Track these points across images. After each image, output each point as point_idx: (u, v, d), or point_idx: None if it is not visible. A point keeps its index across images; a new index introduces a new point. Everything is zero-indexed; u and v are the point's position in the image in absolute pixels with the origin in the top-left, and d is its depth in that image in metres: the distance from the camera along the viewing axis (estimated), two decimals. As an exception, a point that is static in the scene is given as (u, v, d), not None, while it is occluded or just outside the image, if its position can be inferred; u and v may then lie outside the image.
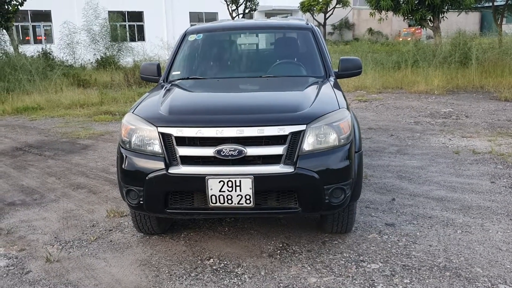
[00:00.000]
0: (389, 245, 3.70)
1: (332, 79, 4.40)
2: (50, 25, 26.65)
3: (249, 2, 29.53)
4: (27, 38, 26.33)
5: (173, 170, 3.25)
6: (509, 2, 17.86)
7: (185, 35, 5.03)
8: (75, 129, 9.06)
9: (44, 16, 26.57)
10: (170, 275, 3.37)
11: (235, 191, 3.17)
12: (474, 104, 10.05)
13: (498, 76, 12.34)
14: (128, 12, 28.79)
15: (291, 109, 3.42)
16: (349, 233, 3.91)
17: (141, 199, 3.37)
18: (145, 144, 3.36)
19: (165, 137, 3.29)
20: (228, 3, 28.54)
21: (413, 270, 3.31)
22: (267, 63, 4.87)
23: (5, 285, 3.33)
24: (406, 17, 16.83)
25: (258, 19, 30.09)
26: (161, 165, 3.26)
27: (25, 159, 6.93)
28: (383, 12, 17.29)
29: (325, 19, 37.11)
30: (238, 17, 29.50)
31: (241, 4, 29.29)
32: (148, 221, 3.83)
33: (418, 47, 15.56)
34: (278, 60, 4.88)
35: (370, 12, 18.20)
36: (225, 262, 3.52)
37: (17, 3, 17.13)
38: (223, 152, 3.17)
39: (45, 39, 26.42)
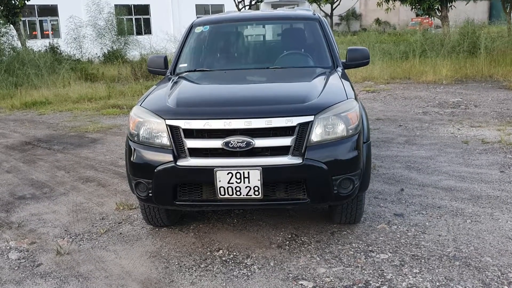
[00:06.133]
0: (398, 235, 3.69)
1: (339, 69, 4.37)
2: (56, 20, 26.70)
3: (255, -7, 29.41)
4: (34, 33, 26.41)
5: (181, 163, 3.25)
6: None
7: (191, 27, 5.02)
8: (83, 123, 9.11)
9: (50, 10, 26.63)
10: (180, 267, 3.39)
11: (244, 182, 3.17)
12: (483, 93, 9.97)
13: (507, 65, 12.21)
14: (134, 5, 28.80)
15: (298, 100, 3.40)
16: (358, 223, 3.91)
17: (150, 191, 3.38)
18: (153, 137, 3.37)
19: (173, 130, 3.29)
20: (234, -6, 28.43)
21: (423, 260, 3.30)
22: (274, 54, 4.85)
23: (17, 278, 3.37)
24: (413, 7, 16.68)
25: (264, 10, 29.95)
26: (169, 157, 3.27)
27: (34, 153, 6.98)
28: (390, 2, 17.15)
29: (332, 9, 36.94)
30: (245, 9, 29.39)
31: (248, -4, 29.16)
32: (157, 213, 3.85)
33: (426, 37, 15.42)
34: (285, 51, 4.85)
35: (378, 2, 18.06)
36: (234, 253, 3.53)
37: (24, -2, 17.22)
38: (231, 144, 3.17)
39: (52, 34, 26.51)
